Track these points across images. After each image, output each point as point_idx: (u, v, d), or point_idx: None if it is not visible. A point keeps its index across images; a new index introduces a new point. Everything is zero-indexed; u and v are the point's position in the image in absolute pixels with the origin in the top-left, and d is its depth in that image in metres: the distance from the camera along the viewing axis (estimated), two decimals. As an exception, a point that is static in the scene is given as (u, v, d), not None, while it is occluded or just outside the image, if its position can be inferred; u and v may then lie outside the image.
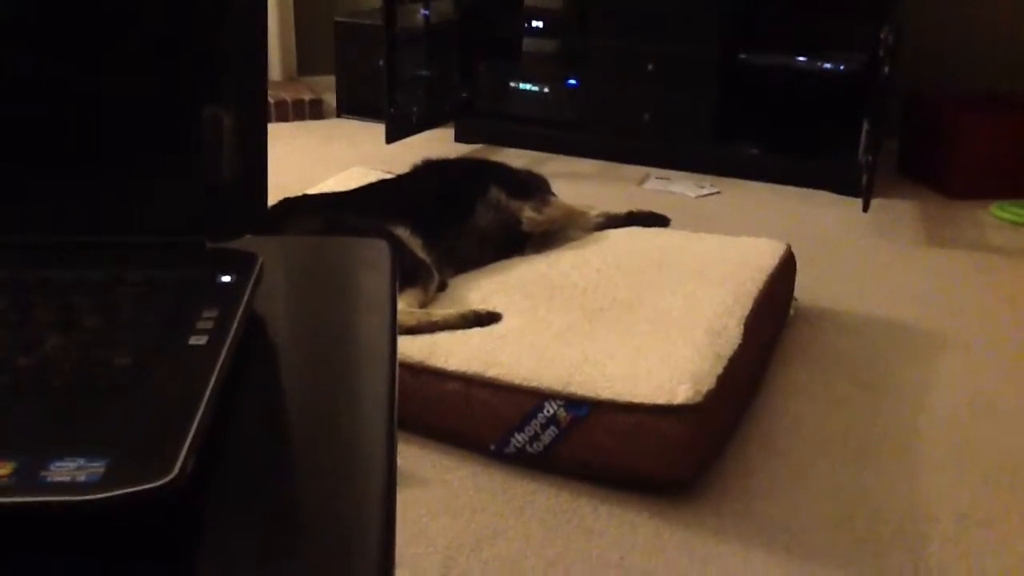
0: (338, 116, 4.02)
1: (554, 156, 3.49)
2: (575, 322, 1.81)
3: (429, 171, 2.29)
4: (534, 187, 2.31)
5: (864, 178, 2.89)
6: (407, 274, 1.83)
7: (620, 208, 2.45)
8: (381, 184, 2.28)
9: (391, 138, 3.23)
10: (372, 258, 0.66)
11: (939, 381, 2.00)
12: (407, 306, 1.79)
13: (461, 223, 2.12)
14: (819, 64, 3.23)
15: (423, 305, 1.85)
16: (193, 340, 0.45)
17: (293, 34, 4.20)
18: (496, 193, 2.19)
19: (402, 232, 1.95)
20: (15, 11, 0.53)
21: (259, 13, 0.55)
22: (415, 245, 1.95)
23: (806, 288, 2.31)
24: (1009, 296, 2.45)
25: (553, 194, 2.37)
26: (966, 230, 2.91)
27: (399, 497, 0.43)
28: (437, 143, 3.47)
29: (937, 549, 1.47)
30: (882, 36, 2.86)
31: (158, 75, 0.55)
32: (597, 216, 2.36)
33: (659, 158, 3.40)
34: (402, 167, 2.35)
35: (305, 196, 2.12)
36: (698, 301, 1.87)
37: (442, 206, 2.12)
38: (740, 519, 1.53)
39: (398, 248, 1.68)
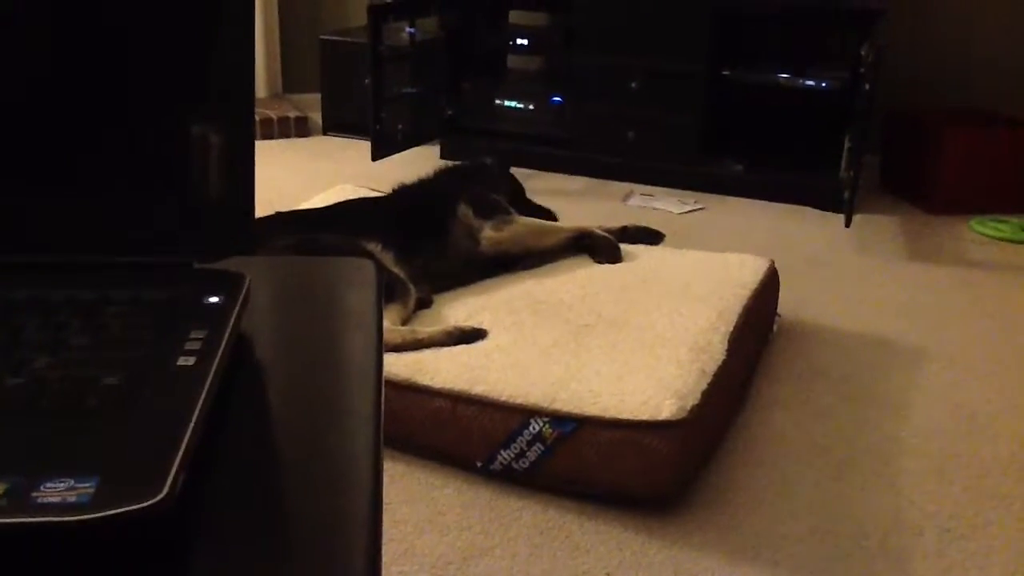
0: (324, 134, 4.03)
1: (539, 173, 3.50)
2: (561, 339, 1.81)
3: (405, 188, 2.30)
4: (499, 206, 2.24)
5: (846, 194, 2.91)
6: (386, 290, 1.82)
7: (604, 225, 2.45)
8: (354, 202, 2.28)
9: (377, 156, 3.23)
10: (358, 277, 0.66)
11: (921, 394, 2.01)
12: (391, 323, 1.79)
13: (434, 239, 2.11)
14: (802, 81, 3.25)
15: (404, 321, 1.85)
16: (182, 360, 0.45)
17: (279, 51, 4.20)
18: (464, 210, 2.18)
19: (373, 247, 1.94)
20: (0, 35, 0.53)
21: (246, 33, 0.55)
22: (387, 260, 1.95)
23: (789, 303, 2.33)
24: (989, 309, 2.47)
25: (545, 209, 2.37)
26: (947, 245, 2.94)
27: (385, 514, 0.44)
28: (423, 160, 3.47)
29: (921, 562, 1.48)
30: (863, 53, 2.89)
31: (146, 95, 0.55)
32: (572, 231, 2.28)
33: (644, 175, 3.42)
34: (388, 185, 2.36)
35: (278, 214, 2.11)
36: (682, 317, 1.88)
37: (414, 222, 2.12)
38: (725, 533, 1.54)
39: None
